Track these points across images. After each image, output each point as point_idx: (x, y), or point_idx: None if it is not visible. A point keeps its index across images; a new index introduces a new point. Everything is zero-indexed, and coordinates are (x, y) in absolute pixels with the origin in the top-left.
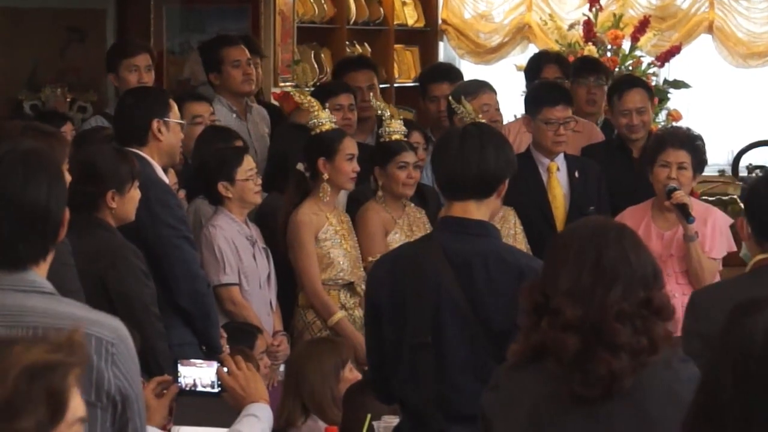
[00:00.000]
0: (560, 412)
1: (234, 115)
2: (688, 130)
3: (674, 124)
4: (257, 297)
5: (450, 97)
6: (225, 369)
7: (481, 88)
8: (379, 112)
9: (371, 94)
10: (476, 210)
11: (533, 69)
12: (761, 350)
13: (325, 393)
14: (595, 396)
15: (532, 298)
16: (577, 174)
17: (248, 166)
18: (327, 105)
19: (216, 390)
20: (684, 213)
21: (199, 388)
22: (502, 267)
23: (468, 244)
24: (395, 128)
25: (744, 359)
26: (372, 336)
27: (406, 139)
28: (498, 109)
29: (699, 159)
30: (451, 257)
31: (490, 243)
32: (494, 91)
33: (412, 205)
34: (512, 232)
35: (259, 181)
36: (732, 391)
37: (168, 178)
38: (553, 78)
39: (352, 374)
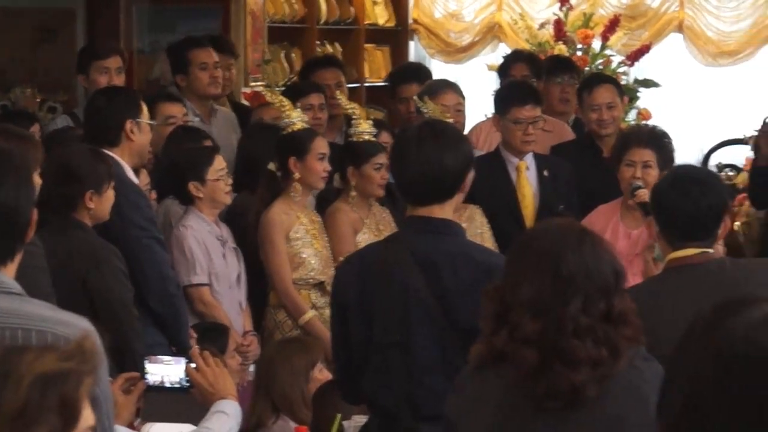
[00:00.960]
0: (524, 420)
1: (198, 119)
2: (654, 128)
3: (644, 122)
4: (227, 297)
5: (415, 97)
6: (193, 365)
7: (443, 87)
8: (349, 111)
9: (338, 92)
10: (440, 210)
11: (504, 68)
12: (742, 351)
13: (295, 393)
14: (558, 407)
15: (493, 305)
16: (546, 173)
17: (219, 166)
18: (298, 105)
19: (184, 387)
20: (646, 211)
21: (167, 385)
22: (470, 265)
23: (435, 243)
24: (365, 128)
25: (725, 360)
26: (338, 336)
27: (375, 139)
28: (460, 110)
29: (666, 157)
30: (419, 257)
31: (456, 241)
32: (458, 92)
33: (378, 204)
34: (479, 231)
35: (230, 181)
36: (713, 393)
37: (140, 179)
38: (521, 77)
39: (322, 374)
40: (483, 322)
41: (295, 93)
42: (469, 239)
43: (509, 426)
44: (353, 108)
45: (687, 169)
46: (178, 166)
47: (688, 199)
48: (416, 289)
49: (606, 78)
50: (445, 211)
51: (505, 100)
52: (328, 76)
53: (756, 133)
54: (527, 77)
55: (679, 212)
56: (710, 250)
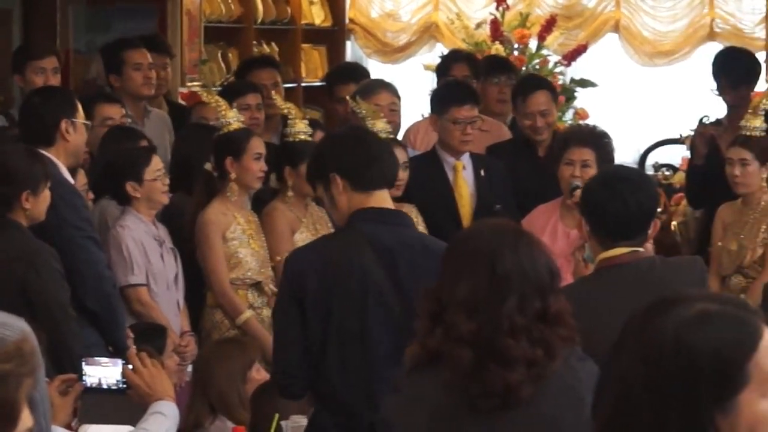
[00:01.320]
0: (459, 420)
1: (129, 120)
2: (594, 128)
3: (581, 122)
4: (165, 297)
5: (348, 97)
6: (130, 366)
7: (377, 87)
8: (285, 111)
9: (274, 92)
10: (387, 199)
11: (443, 68)
12: (671, 350)
13: (232, 393)
14: (492, 407)
15: (428, 305)
16: (482, 173)
17: (156, 166)
18: (234, 104)
19: (121, 388)
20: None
21: (105, 387)
22: (427, 254)
23: (390, 234)
24: (300, 128)
25: (655, 360)
26: (290, 327)
27: (311, 139)
28: (394, 110)
29: (605, 157)
30: (376, 246)
31: (410, 232)
32: (392, 91)
33: (314, 204)
34: None
35: (167, 181)
36: (644, 392)
37: (78, 179)
38: (462, 77)
39: (259, 374)
40: (419, 323)
41: (232, 92)
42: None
43: (445, 427)
44: (289, 108)
45: (617, 168)
46: (115, 166)
47: (618, 198)
48: (375, 279)
49: (541, 82)
50: (386, 200)
51: (443, 99)
52: (265, 76)
53: (692, 133)
54: (467, 77)
55: (608, 212)
56: (640, 249)
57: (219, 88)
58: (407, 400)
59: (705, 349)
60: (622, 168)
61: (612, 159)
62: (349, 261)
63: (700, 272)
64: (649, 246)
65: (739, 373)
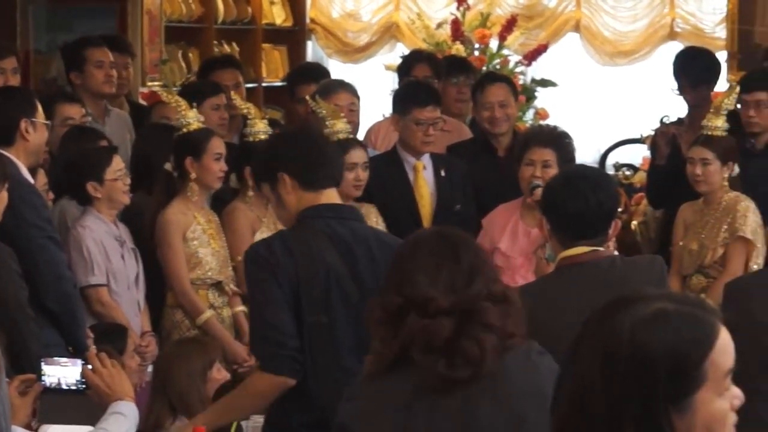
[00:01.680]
0: (425, 408)
1: (90, 118)
2: (555, 128)
3: (542, 122)
4: (125, 297)
5: (308, 98)
6: (90, 366)
7: (336, 87)
8: (244, 111)
9: (233, 93)
10: (337, 196)
11: (404, 68)
12: (628, 349)
13: (192, 393)
14: (462, 378)
15: (389, 305)
16: (443, 173)
17: (117, 166)
18: (206, 105)
19: (81, 388)
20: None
21: (64, 387)
22: (384, 248)
23: (346, 228)
24: (260, 128)
25: (611, 359)
26: (274, 305)
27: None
28: (353, 110)
29: (566, 157)
30: (334, 240)
31: (364, 226)
32: (351, 91)
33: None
34: None
35: (128, 181)
36: (600, 391)
37: (38, 179)
38: (423, 77)
39: (219, 374)
40: (375, 330)
41: (203, 92)
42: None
43: (410, 421)
44: (248, 108)
45: (578, 168)
46: (75, 166)
47: (578, 198)
48: (337, 271)
49: (499, 77)
50: (336, 198)
51: (405, 100)
52: (226, 76)
53: (653, 133)
54: (429, 78)
55: (569, 212)
56: (601, 248)
57: (179, 88)
58: (368, 404)
59: (661, 348)
60: (583, 167)
61: (573, 159)
62: (312, 254)
63: (660, 271)
64: (612, 246)
65: (695, 372)
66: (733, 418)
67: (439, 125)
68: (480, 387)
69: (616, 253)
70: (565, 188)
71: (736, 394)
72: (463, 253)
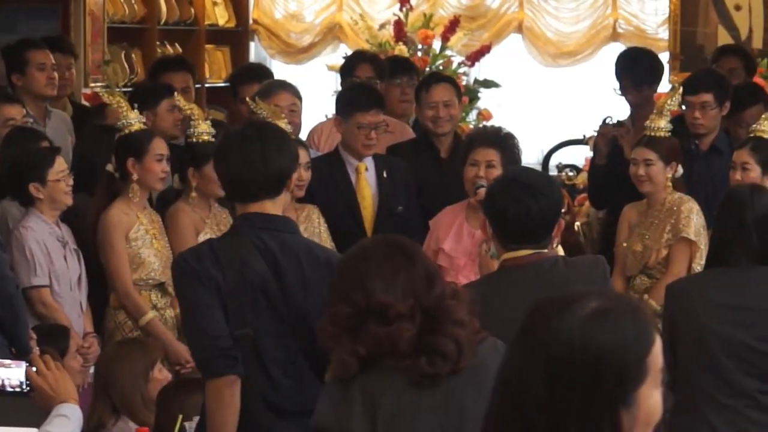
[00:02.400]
0: (407, 405)
1: (31, 121)
2: (500, 129)
3: (485, 123)
4: (68, 298)
5: (248, 99)
6: (34, 369)
7: (276, 88)
8: (187, 112)
9: (176, 94)
10: (272, 207)
11: (347, 68)
12: (569, 350)
13: (134, 394)
14: (443, 373)
15: (338, 318)
16: (385, 174)
17: (60, 167)
18: (162, 106)
19: (25, 390)
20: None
21: (8, 389)
22: (313, 261)
23: (275, 240)
24: (203, 129)
25: (552, 360)
26: (206, 310)
27: (214, 140)
28: (294, 111)
29: (510, 157)
30: (262, 252)
31: (296, 238)
32: (292, 92)
33: (217, 204)
34: (317, 230)
35: (71, 182)
36: (542, 393)
37: None
38: (366, 78)
39: (161, 374)
40: (331, 341)
41: (158, 94)
42: (303, 236)
43: (395, 418)
44: (191, 109)
45: (519, 173)
46: (18, 166)
47: (520, 205)
48: (263, 283)
49: (444, 77)
50: (276, 206)
51: (348, 104)
52: (178, 79)
53: (595, 134)
54: (371, 78)
55: (510, 218)
56: (544, 250)
57: (130, 89)
58: (342, 407)
59: (608, 347)
60: (525, 172)
61: (518, 160)
62: (240, 265)
63: (603, 272)
64: (559, 249)
65: (640, 368)
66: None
67: (381, 129)
68: (461, 380)
69: (561, 253)
70: (506, 195)
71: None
72: (417, 258)
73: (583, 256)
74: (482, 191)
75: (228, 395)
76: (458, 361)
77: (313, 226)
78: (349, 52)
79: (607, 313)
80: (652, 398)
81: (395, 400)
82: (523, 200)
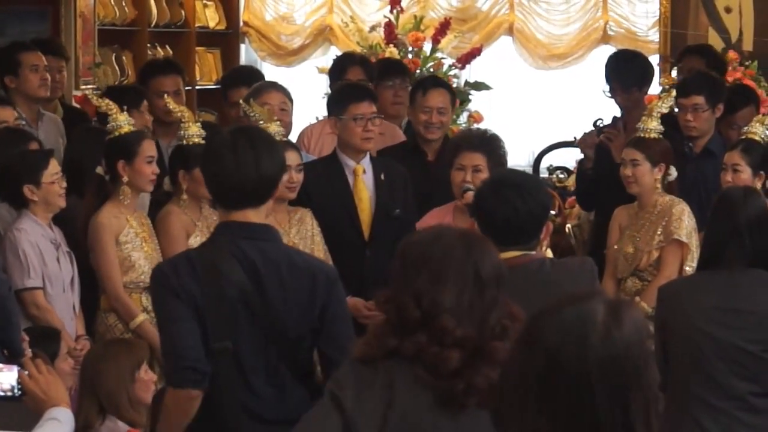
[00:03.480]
0: (429, 417)
1: (23, 122)
2: (485, 132)
3: (475, 125)
4: (61, 301)
5: (241, 101)
6: (26, 372)
7: (267, 87)
8: (177, 115)
9: (167, 97)
10: (255, 215)
11: (337, 71)
12: (560, 353)
13: (121, 393)
14: (472, 403)
15: (405, 314)
16: (382, 177)
17: (54, 169)
18: (142, 108)
19: (17, 394)
20: (471, 212)
21: (0, 393)
22: (295, 272)
23: (255, 249)
24: (194, 132)
25: (546, 364)
26: (182, 324)
27: (204, 142)
28: (285, 110)
29: (496, 161)
30: (242, 262)
31: (277, 247)
32: (283, 92)
33: (208, 207)
34: (310, 234)
35: (64, 185)
36: (537, 395)
37: None
38: (356, 80)
39: (147, 375)
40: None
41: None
42: (285, 244)
43: (413, 423)
44: (181, 111)
45: (508, 174)
46: (12, 169)
47: (509, 205)
48: (243, 292)
49: (441, 82)
50: (259, 215)
51: (341, 99)
52: (168, 83)
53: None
54: (362, 81)
55: (499, 218)
56: (533, 252)
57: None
58: (362, 388)
59: (630, 341)
60: (513, 173)
61: (504, 163)
62: (218, 275)
63: (590, 272)
64: (548, 251)
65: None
66: None
67: (376, 122)
68: (483, 415)
69: (549, 255)
70: (494, 196)
71: None
72: (482, 267)
73: (571, 258)
74: (470, 194)
75: (186, 408)
76: (486, 398)
77: (306, 230)
78: (340, 55)
79: (620, 310)
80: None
81: (412, 406)
82: (512, 201)
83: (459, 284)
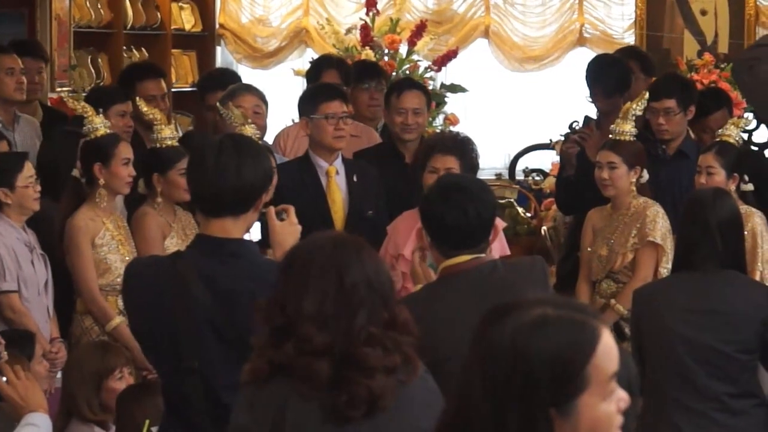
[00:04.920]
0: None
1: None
2: (458, 134)
3: (451, 128)
4: (36, 304)
5: (218, 104)
6: (4, 378)
7: (241, 90)
8: (150, 117)
9: (137, 99)
10: (234, 226)
11: (313, 73)
12: (509, 355)
13: (80, 398)
14: (358, 415)
15: (272, 319)
16: (355, 178)
17: (28, 172)
18: (111, 111)
19: None
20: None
21: None
22: (264, 286)
23: (227, 267)
24: (167, 134)
25: (493, 365)
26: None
27: (178, 144)
28: (259, 113)
29: (469, 163)
30: (209, 281)
31: (250, 261)
32: (257, 95)
33: (182, 209)
34: None
35: (38, 188)
36: (483, 399)
37: None
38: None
39: (118, 383)
40: (256, 338)
41: (110, 98)
42: (263, 258)
43: None
44: (153, 114)
45: (453, 178)
46: None
47: (457, 211)
48: (207, 314)
49: (415, 84)
50: (238, 227)
51: (312, 99)
52: (150, 86)
53: (562, 138)
54: (339, 84)
55: (448, 224)
56: (482, 255)
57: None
58: (255, 411)
59: (543, 354)
60: (459, 177)
61: (476, 166)
62: (183, 291)
63: (542, 271)
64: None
65: (577, 376)
66: (619, 421)
67: (348, 121)
68: (379, 420)
69: (496, 256)
70: (443, 201)
71: (621, 397)
72: (347, 277)
73: (522, 258)
74: None
75: None
76: (371, 407)
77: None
78: (316, 57)
79: (546, 321)
80: (597, 408)
81: (304, 422)
82: (459, 206)
83: (321, 290)
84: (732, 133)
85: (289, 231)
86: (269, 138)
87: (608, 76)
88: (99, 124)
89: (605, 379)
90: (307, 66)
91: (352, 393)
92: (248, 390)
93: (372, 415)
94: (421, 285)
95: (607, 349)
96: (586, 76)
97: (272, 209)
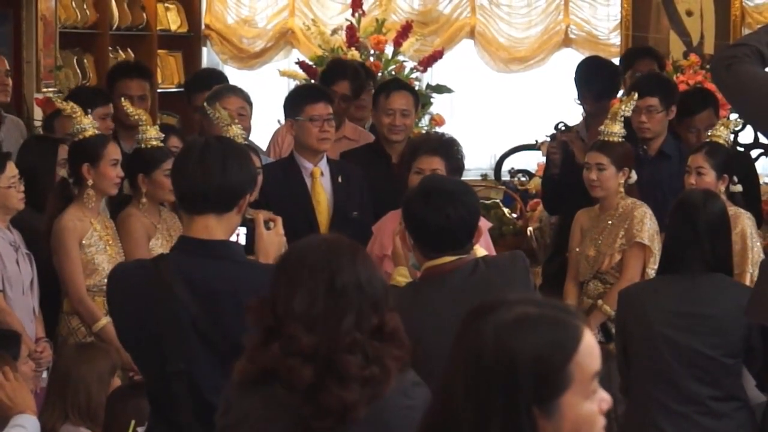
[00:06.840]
0: None
1: None
2: (443, 136)
3: (437, 129)
4: (21, 303)
5: (205, 104)
6: None
7: (226, 92)
8: (135, 118)
9: (123, 99)
10: (217, 225)
11: (325, 82)
12: (491, 354)
13: (100, 397)
14: (327, 427)
15: (262, 319)
16: (340, 179)
17: (11, 173)
18: (93, 114)
19: None
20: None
21: None
22: (249, 287)
23: (211, 269)
24: (152, 135)
25: (474, 365)
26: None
27: (163, 145)
28: (243, 114)
29: (454, 165)
30: (193, 283)
31: (234, 262)
32: (242, 96)
33: (167, 210)
34: None
35: (22, 188)
36: (465, 399)
37: None
38: (341, 95)
39: (116, 382)
40: (248, 337)
41: (92, 101)
42: (246, 258)
43: None
44: (138, 114)
45: (436, 181)
46: None
47: (439, 213)
48: (191, 317)
49: (405, 85)
50: (222, 227)
51: (296, 101)
52: (134, 86)
53: (548, 139)
54: (347, 97)
55: (431, 227)
56: (465, 256)
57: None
58: (235, 419)
59: (524, 353)
60: (442, 180)
61: (461, 167)
62: (165, 295)
63: (522, 266)
64: (479, 250)
65: (559, 375)
66: (601, 421)
67: (332, 123)
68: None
69: (481, 253)
70: (425, 204)
71: (603, 397)
72: (339, 278)
73: (502, 254)
74: None
75: None
76: (342, 419)
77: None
78: (302, 58)
79: (528, 320)
80: (579, 407)
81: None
82: (442, 208)
83: (311, 289)
84: (722, 134)
85: (274, 241)
86: (262, 137)
87: (598, 80)
88: (87, 125)
89: (587, 378)
90: (293, 67)
91: (323, 404)
92: (234, 391)
93: (341, 428)
94: (401, 266)
95: (589, 348)
96: (576, 78)
97: (261, 216)
